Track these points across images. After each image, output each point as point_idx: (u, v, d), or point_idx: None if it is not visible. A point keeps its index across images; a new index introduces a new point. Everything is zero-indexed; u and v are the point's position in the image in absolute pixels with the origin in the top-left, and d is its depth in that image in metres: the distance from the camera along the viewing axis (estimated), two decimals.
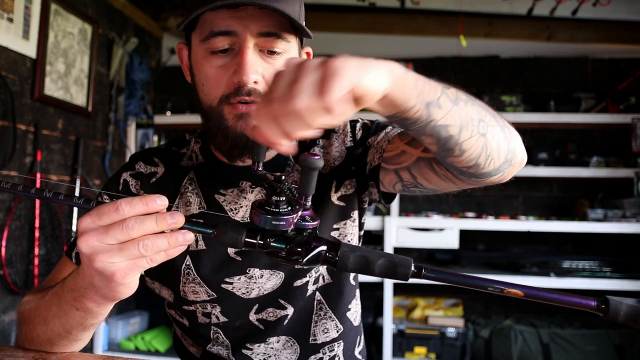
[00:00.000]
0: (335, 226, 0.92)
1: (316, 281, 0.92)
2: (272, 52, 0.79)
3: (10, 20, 2.11)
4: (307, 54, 0.91)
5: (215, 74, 0.79)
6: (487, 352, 2.78)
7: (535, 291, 0.52)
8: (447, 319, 2.81)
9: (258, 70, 0.77)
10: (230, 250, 0.88)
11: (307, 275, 0.91)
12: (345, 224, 0.93)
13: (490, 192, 3.21)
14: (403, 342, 2.74)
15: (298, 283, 0.90)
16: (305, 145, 0.94)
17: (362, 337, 1.05)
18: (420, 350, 2.76)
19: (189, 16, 0.77)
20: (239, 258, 0.88)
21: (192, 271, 0.88)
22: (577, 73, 3.17)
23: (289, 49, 0.81)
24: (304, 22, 0.84)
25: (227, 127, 0.79)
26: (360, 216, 0.97)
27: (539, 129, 3.13)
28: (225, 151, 0.84)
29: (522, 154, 0.73)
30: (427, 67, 3.29)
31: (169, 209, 0.88)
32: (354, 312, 0.99)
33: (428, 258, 3.15)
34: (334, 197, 0.92)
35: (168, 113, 3.34)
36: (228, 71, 0.78)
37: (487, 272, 2.68)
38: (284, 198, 0.56)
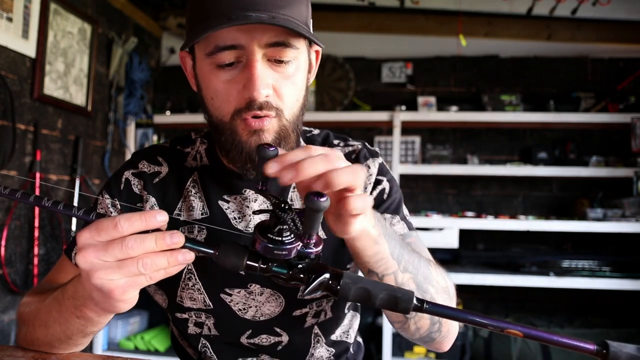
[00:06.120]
0: (347, 266, 0.92)
1: (317, 315, 0.91)
2: (280, 61, 0.75)
3: (10, 19, 2.11)
4: (317, 52, 0.87)
5: (225, 89, 0.76)
6: (486, 351, 2.78)
7: (535, 332, 0.52)
8: None
9: (269, 83, 0.74)
10: None
11: (308, 306, 0.89)
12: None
13: (489, 192, 3.21)
14: (403, 341, 2.74)
15: (297, 313, 0.89)
16: None
17: (359, 344, 1.06)
18: (420, 349, 2.76)
19: (194, 35, 0.73)
20: (242, 272, 0.87)
21: (194, 276, 0.87)
22: (576, 73, 3.17)
23: (298, 55, 0.78)
24: (311, 24, 0.80)
25: (242, 142, 0.77)
26: None
27: (538, 128, 3.13)
28: (239, 165, 0.81)
29: (453, 336, 0.82)
30: (426, 67, 3.29)
31: (171, 212, 0.88)
32: (352, 331, 1.01)
33: None
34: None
35: (167, 112, 3.34)
36: (237, 85, 0.75)
37: (487, 271, 2.68)
38: (287, 226, 0.56)
